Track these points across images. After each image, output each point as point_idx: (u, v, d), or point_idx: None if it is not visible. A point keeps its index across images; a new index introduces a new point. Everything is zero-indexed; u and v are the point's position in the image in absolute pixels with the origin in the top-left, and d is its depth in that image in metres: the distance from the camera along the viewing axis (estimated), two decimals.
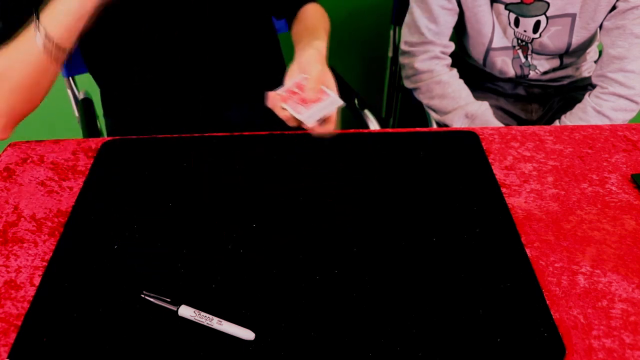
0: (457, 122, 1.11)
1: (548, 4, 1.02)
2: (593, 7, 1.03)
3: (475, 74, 1.24)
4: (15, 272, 0.62)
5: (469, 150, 0.79)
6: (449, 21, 1.10)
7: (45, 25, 0.69)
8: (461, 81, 1.14)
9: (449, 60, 1.15)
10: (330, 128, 0.76)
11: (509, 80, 1.22)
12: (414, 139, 0.82)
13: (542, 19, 1.06)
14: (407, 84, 1.20)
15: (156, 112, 0.97)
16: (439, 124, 1.18)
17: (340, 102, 0.75)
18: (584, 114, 1.07)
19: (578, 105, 1.09)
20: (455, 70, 1.14)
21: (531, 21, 1.06)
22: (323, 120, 0.74)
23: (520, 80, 1.20)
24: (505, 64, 1.16)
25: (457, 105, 1.11)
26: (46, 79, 0.74)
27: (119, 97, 0.97)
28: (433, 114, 1.17)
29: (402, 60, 1.18)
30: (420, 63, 1.13)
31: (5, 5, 0.76)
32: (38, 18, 0.70)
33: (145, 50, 0.89)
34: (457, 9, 1.09)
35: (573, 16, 1.05)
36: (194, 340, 0.54)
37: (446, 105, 1.12)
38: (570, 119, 1.09)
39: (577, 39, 1.08)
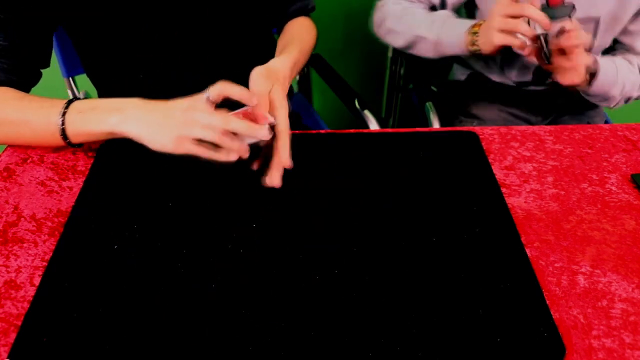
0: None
1: (573, 5, 0.98)
2: (620, 10, 1.01)
3: (480, 84, 1.23)
4: (15, 272, 0.62)
5: (469, 150, 0.79)
6: None
7: (68, 129, 0.73)
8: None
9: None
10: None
11: (514, 87, 1.21)
12: (414, 139, 0.82)
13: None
14: (377, 30, 1.15)
15: None
16: (439, 123, 1.18)
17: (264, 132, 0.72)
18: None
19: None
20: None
21: (556, 26, 1.05)
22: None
23: (535, 86, 1.18)
24: (524, 68, 1.14)
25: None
26: (49, 145, 0.79)
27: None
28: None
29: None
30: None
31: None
32: (67, 107, 0.73)
33: (143, 52, 0.89)
34: None
35: (596, 19, 1.03)
36: (193, 340, 0.54)
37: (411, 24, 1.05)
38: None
39: (600, 42, 1.07)
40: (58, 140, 0.75)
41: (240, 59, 0.96)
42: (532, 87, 1.18)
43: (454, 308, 0.57)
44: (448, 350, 0.53)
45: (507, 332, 0.54)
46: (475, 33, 0.94)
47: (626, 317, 0.56)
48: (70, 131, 0.73)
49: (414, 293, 0.58)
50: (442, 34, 1.01)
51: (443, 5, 1.10)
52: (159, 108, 0.71)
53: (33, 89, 0.85)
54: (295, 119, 1.11)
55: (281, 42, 0.97)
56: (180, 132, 0.69)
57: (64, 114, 0.73)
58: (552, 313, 0.56)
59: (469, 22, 0.98)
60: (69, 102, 0.74)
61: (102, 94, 0.99)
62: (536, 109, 1.23)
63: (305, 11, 1.04)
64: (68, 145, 0.76)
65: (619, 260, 0.63)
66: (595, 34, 1.05)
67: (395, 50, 1.41)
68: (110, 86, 0.96)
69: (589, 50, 1.06)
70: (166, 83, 0.92)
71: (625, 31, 1.06)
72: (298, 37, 0.97)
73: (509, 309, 0.56)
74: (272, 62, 0.80)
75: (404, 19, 1.07)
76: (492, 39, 0.88)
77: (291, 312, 0.56)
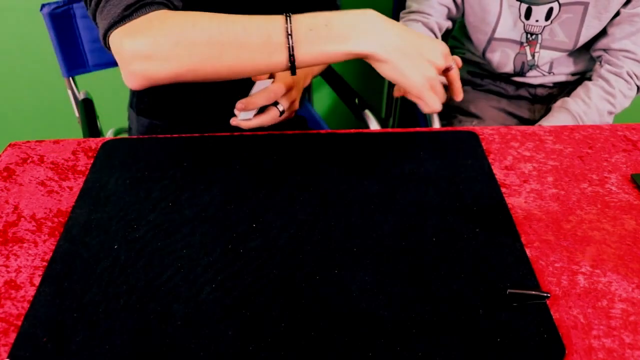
0: None
1: None
2: None
3: (475, 75, 1.24)
4: (15, 272, 0.62)
5: (469, 150, 0.79)
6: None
7: (297, 47, 0.62)
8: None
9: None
10: (264, 120, 0.78)
11: (511, 82, 1.21)
12: (414, 139, 0.82)
13: (555, 5, 1.05)
14: None
15: (186, 107, 0.96)
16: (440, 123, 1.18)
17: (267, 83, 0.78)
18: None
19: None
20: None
21: (544, 9, 1.06)
22: (262, 111, 0.79)
23: (518, 77, 1.19)
24: (505, 56, 1.15)
25: None
26: (249, 67, 0.64)
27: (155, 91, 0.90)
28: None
29: None
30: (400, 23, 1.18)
31: None
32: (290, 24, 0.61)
33: None
34: None
35: (586, 4, 1.04)
36: (193, 340, 0.54)
37: None
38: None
39: (587, 30, 1.07)
40: (272, 63, 0.63)
41: None
42: (516, 78, 1.19)
43: (454, 308, 0.57)
44: (448, 350, 0.53)
45: (507, 332, 0.54)
46: None
47: (626, 317, 0.56)
48: (301, 50, 0.62)
49: (414, 293, 0.58)
50: None
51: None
52: (413, 43, 0.63)
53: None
54: (301, 122, 1.11)
55: None
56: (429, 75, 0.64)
57: (289, 29, 0.61)
58: (552, 313, 0.56)
59: None
60: (286, 16, 0.62)
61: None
62: (535, 108, 1.23)
63: None
64: (286, 69, 0.64)
65: (619, 260, 0.63)
66: (582, 20, 1.06)
67: None
68: None
69: (576, 38, 1.09)
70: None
71: (604, 32, 1.08)
72: None
73: (509, 309, 0.56)
74: None
75: None
76: None
77: (291, 312, 0.56)
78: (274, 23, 0.61)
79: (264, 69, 0.65)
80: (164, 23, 0.63)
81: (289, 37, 0.61)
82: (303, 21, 0.62)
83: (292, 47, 0.61)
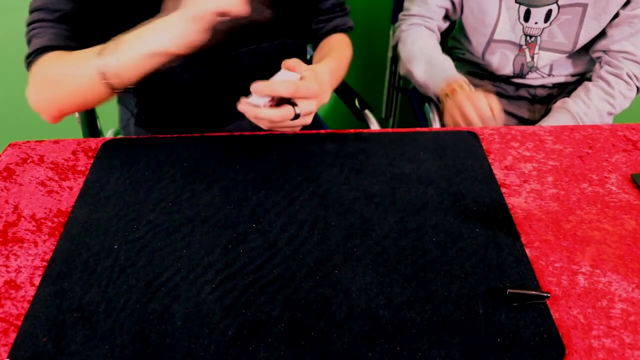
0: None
1: None
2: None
3: (475, 75, 1.24)
4: (15, 272, 0.62)
5: (469, 150, 0.79)
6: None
7: (109, 59, 0.72)
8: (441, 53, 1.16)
9: (431, 30, 1.19)
10: (274, 114, 0.73)
11: (511, 82, 1.21)
12: (414, 139, 0.82)
13: (554, 7, 1.06)
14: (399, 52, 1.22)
15: (183, 111, 0.96)
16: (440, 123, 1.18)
17: (293, 76, 0.75)
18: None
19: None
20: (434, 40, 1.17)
21: (543, 11, 1.06)
22: (279, 102, 0.73)
23: (517, 79, 1.20)
24: (504, 58, 1.15)
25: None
26: (95, 98, 0.77)
27: (153, 92, 0.95)
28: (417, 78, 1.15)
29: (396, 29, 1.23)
30: (403, 26, 1.20)
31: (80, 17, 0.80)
32: (105, 43, 0.72)
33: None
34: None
35: (584, 6, 1.05)
36: (193, 340, 0.54)
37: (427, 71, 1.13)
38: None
39: (586, 31, 1.08)
40: (99, 87, 0.73)
41: (274, 70, 0.95)
42: (516, 80, 1.19)
43: (454, 308, 0.57)
44: (448, 350, 0.53)
45: (507, 332, 0.54)
46: (446, 95, 1.05)
47: (626, 317, 0.56)
48: (113, 65, 0.72)
49: (414, 293, 0.58)
50: (428, 79, 1.12)
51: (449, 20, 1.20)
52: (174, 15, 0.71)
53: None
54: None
55: (317, 55, 0.97)
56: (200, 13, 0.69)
57: (100, 66, 0.72)
58: (552, 313, 0.56)
59: (446, 75, 1.08)
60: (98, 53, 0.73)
61: (136, 86, 0.97)
62: (534, 108, 1.23)
63: (342, 30, 1.04)
64: (113, 92, 0.75)
65: (619, 260, 0.63)
66: (582, 21, 1.06)
67: (395, 50, 1.41)
68: (145, 78, 0.92)
69: (575, 39, 1.09)
70: (198, 80, 0.91)
71: (604, 33, 1.08)
72: (335, 50, 0.97)
73: (509, 309, 0.57)
74: (314, 67, 0.81)
75: (405, 49, 1.18)
76: (447, 116, 1.04)
77: (291, 312, 0.56)
78: (89, 62, 0.72)
79: (102, 100, 0.77)
80: (36, 75, 0.77)
81: (102, 74, 0.72)
82: (110, 43, 0.72)
83: (109, 82, 0.73)
